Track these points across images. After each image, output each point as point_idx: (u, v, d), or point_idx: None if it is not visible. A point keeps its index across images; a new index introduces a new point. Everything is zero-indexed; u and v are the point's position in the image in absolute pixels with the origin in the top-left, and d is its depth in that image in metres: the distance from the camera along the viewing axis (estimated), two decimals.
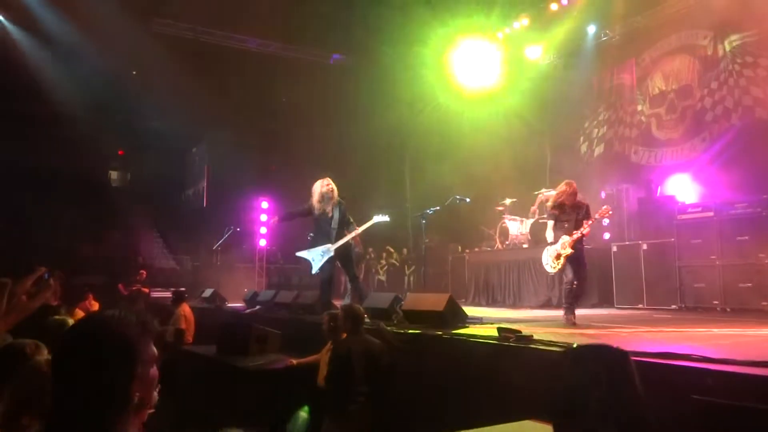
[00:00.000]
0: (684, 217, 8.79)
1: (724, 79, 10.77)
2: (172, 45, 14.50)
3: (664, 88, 12.01)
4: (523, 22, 13.72)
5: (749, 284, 7.78)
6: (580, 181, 11.01)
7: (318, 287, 8.40)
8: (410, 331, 5.73)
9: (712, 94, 10.98)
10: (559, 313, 8.56)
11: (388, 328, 6.00)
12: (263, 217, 15.72)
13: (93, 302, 9.78)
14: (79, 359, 1.34)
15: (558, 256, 6.80)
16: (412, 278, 14.12)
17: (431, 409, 5.02)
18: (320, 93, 15.08)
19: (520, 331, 4.66)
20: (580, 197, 7.00)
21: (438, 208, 8.69)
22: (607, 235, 10.71)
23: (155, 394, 1.44)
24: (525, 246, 10.82)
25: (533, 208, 11.09)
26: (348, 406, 4.82)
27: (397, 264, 14.81)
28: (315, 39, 15.36)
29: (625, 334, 5.48)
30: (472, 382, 4.69)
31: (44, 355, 2.43)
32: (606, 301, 9.52)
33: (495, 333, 4.85)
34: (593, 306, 9.46)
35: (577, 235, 6.66)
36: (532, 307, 9.65)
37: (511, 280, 10.55)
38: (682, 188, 10.66)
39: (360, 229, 8.16)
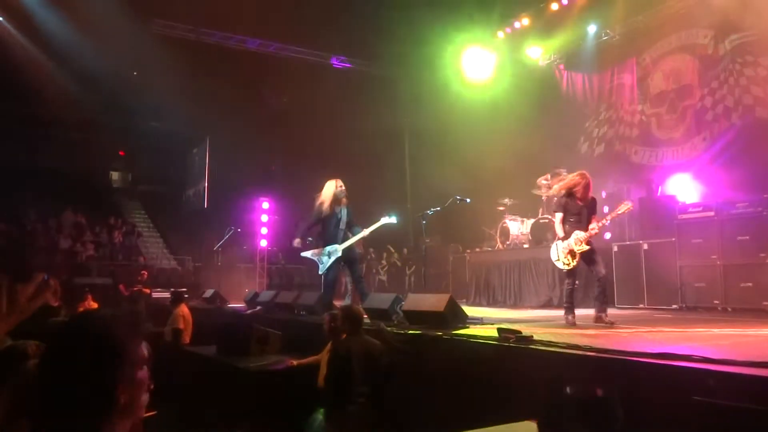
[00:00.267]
0: (685, 216, 8.78)
1: (725, 78, 10.76)
2: (172, 46, 14.52)
3: (664, 87, 11.99)
4: (524, 22, 13.74)
5: (750, 284, 7.77)
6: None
7: (320, 287, 8.39)
8: (410, 332, 5.73)
9: (712, 93, 10.97)
10: (559, 313, 8.58)
11: (389, 328, 6.00)
12: (264, 218, 15.73)
13: (92, 302, 9.80)
14: (63, 359, 1.31)
15: (572, 253, 6.46)
16: (412, 278, 14.12)
17: (431, 409, 5.02)
18: (321, 93, 15.08)
19: (520, 332, 4.66)
20: (591, 192, 6.68)
21: (438, 208, 8.69)
22: (608, 235, 10.69)
23: (145, 396, 1.40)
24: (526, 246, 10.81)
25: (546, 185, 10.74)
26: (347, 406, 4.82)
27: (398, 264, 14.81)
28: (314, 39, 15.38)
29: (625, 334, 5.47)
30: (473, 383, 4.69)
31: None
32: (605, 302, 9.48)
33: (495, 333, 4.85)
34: (592, 306, 9.44)
35: (593, 231, 6.38)
36: (533, 308, 9.65)
37: (511, 280, 10.55)
38: (683, 188, 10.65)
39: (368, 231, 8.16)
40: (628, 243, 9.70)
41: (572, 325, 6.32)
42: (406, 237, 14.54)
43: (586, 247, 6.40)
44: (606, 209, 9.23)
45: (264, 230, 15.69)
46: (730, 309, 7.94)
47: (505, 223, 11.29)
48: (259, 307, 9.99)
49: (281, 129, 16.89)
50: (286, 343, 7.41)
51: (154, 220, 23.97)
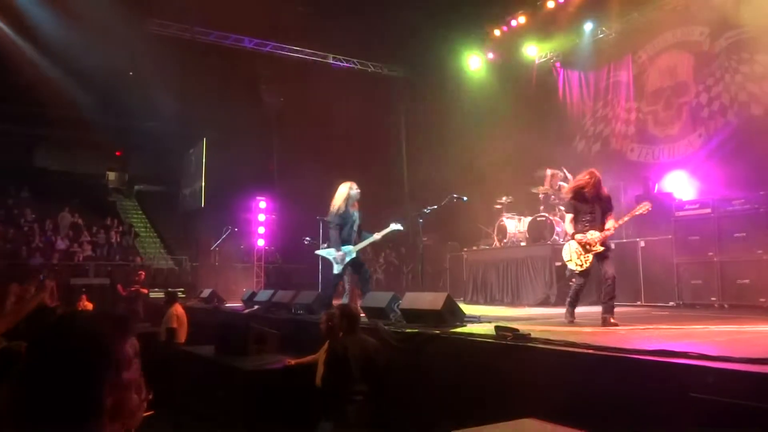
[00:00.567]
0: (681, 213, 8.79)
1: (720, 75, 10.78)
2: (168, 45, 14.50)
3: (660, 84, 12.01)
4: (520, 20, 13.75)
5: (747, 280, 7.79)
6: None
7: (318, 287, 8.43)
8: (408, 330, 5.72)
9: (708, 90, 10.98)
10: (556, 311, 8.59)
11: (386, 327, 5.99)
12: (261, 217, 15.73)
13: (87, 303, 9.80)
14: (45, 361, 1.25)
15: (585, 254, 6.21)
16: (409, 277, 14.13)
17: (429, 407, 5.03)
18: (318, 92, 15.06)
19: (517, 330, 4.66)
20: (603, 189, 6.37)
21: (435, 207, 8.68)
22: None
23: (135, 397, 1.33)
24: (523, 244, 10.82)
25: (543, 188, 10.83)
26: (345, 405, 4.82)
27: (395, 263, 14.82)
28: (311, 38, 15.38)
29: (623, 331, 5.47)
30: (470, 381, 4.69)
31: None
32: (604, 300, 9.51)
33: (493, 332, 4.85)
34: (591, 303, 9.42)
35: (609, 231, 6.13)
36: (530, 305, 9.65)
37: (509, 278, 10.54)
38: (680, 185, 10.67)
39: (379, 235, 8.29)
40: (625, 240, 9.71)
41: (571, 322, 6.26)
42: (403, 235, 14.52)
43: (600, 249, 6.15)
44: None
45: (261, 229, 15.69)
46: (727, 306, 7.95)
47: (502, 221, 11.30)
48: (256, 307, 9.98)
49: (278, 128, 16.88)
50: (284, 342, 7.41)
51: (151, 220, 23.97)
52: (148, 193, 25.33)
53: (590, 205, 6.27)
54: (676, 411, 3.16)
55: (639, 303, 9.06)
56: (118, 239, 21.03)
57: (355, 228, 8.11)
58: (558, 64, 14.20)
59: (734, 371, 3.07)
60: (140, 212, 24.66)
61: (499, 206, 11.63)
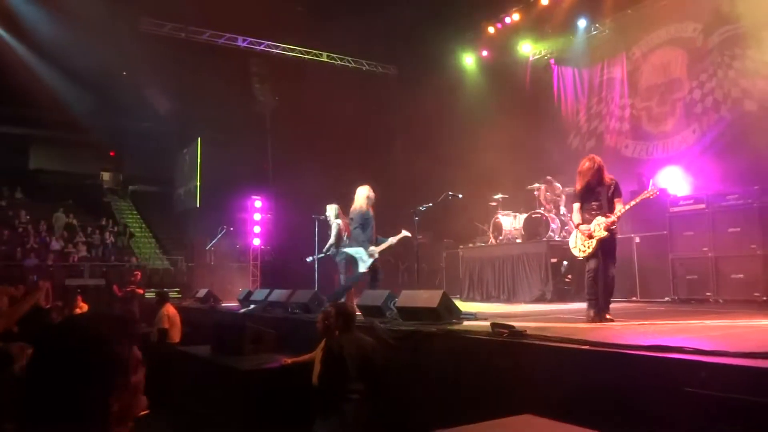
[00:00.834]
0: (676, 209, 8.82)
1: (714, 71, 10.81)
2: (162, 44, 14.46)
3: (654, 80, 12.04)
4: (514, 17, 13.76)
5: (741, 275, 7.82)
6: (572, 175, 11.10)
7: (314, 286, 8.49)
8: (404, 328, 5.73)
9: (701, 86, 11.02)
10: (552, 307, 8.62)
11: (382, 325, 6.00)
12: (257, 216, 15.70)
13: (82, 304, 9.78)
14: (51, 365, 1.24)
15: (590, 238, 5.98)
16: (405, 275, 14.13)
17: (426, 405, 5.03)
18: (313, 91, 15.04)
19: (513, 326, 4.67)
20: (607, 174, 6.14)
21: (431, 204, 8.69)
22: None
23: (142, 400, 1.34)
24: (518, 241, 10.84)
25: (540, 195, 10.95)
26: (341, 404, 4.82)
27: (391, 261, 14.80)
28: (305, 36, 15.36)
29: (618, 327, 5.49)
30: (467, 378, 4.70)
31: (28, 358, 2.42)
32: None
33: (489, 328, 4.85)
34: (585, 300, 9.47)
35: (615, 216, 5.88)
36: (526, 302, 9.67)
37: (505, 275, 10.56)
38: (674, 181, 10.70)
39: (395, 239, 8.66)
40: (620, 236, 9.68)
41: (593, 320, 5.74)
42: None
43: (604, 234, 5.88)
44: None
45: (257, 228, 15.66)
46: (721, 300, 7.99)
47: (497, 218, 11.32)
48: (252, 306, 9.97)
49: (273, 127, 16.84)
50: (280, 341, 7.40)
51: (146, 220, 23.91)
52: (142, 193, 25.27)
53: (596, 192, 6.07)
54: (672, 406, 3.18)
55: (634, 299, 9.09)
56: (113, 240, 20.99)
57: (374, 229, 8.44)
58: (552, 61, 14.22)
59: (729, 366, 3.08)
60: (135, 212, 24.60)
61: (494, 203, 11.64)
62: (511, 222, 11.18)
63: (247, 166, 16.57)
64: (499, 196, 11.55)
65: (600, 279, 5.98)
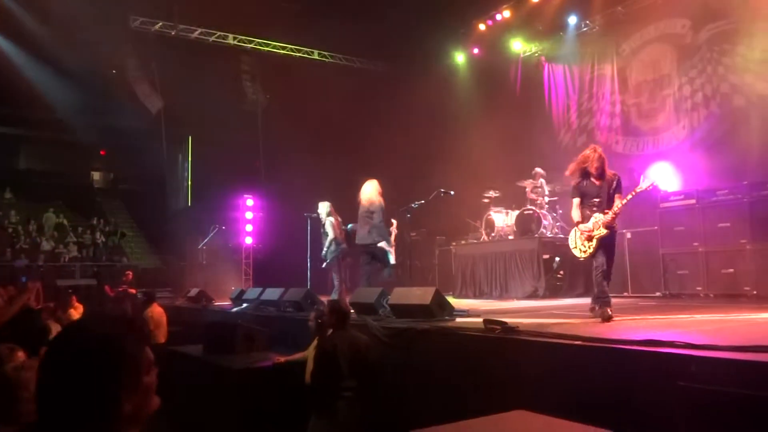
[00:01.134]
0: (667, 205, 8.87)
1: (703, 67, 10.87)
2: (152, 42, 14.37)
3: (644, 77, 12.09)
4: (505, 14, 13.77)
5: (731, 270, 7.88)
6: (563, 172, 11.12)
7: (306, 284, 8.48)
8: (397, 325, 5.73)
9: (691, 82, 11.07)
10: (544, 303, 8.65)
11: (375, 322, 6.00)
12: (249, 215, 15.66)
13: (77, 304, 9.71)
14: (64, 367, 1.24)
15: (590, 238, 5.79)
16: (398, 272, 14.11)
17: (419, 402, 5.04)
18: (304, 88, 15.00)
19: (506, 323, 4.68)
20: (609, 169, 5.92)
21: (423, 201, 8.69)
22: None
23: (154, 400, 1.34)
24: (511, 237, 10.87)
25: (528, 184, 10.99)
26: (335, 401, 4.82)
27: None
28: (296, 34, 15.31)
29: (610, 322, 5.51)
30: (460, 374, 4.71)
31: (18, 359, 2.40)
32: (591, 291, 9.56)
33: (481, 325, 4.87)
34: (579, 295, 9.52)
35: (613, 213, 5.69)
36: (518, 299, 9.69)
37: (497, 271, 10.58)
38: (665, 176, 10.74)
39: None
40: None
41: (608, 319, 5.38)
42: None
43: (604, 231, 5.71)
44: None
45: (249, 227, 15.63)
46: (712, 295, 8.04)
47: (489, 215, 11.34)
48: (245, 305, 9.95)
49: (264, 125, 16.79)
50: (273, 340, 7.39)
51: (137, 219, 23.76)
52: (133, 192, 25.10)
53: (596, 187, 5.84)
54: (665, 400, 3.20)
55: (626, 294, 9.13)
56: (104, 239, 20.88)
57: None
58: (543, 58, 14.25)
59: (720, 359, 3.10)
60: (126, 212, 24.45)
61: (486, 200, 11.66)
62: (503, 219, 11.20)
63: (239, 165, 16.50)
64: (491, 192, 11.58)
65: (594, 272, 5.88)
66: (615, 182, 5.85)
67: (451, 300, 7.00)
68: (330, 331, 5.30)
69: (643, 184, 5.83)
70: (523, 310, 7.53)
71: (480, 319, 5.07)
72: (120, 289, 13.57)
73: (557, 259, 10.05)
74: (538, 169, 11.09)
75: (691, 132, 10.94)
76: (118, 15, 13.80)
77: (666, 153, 11.27)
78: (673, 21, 11.55)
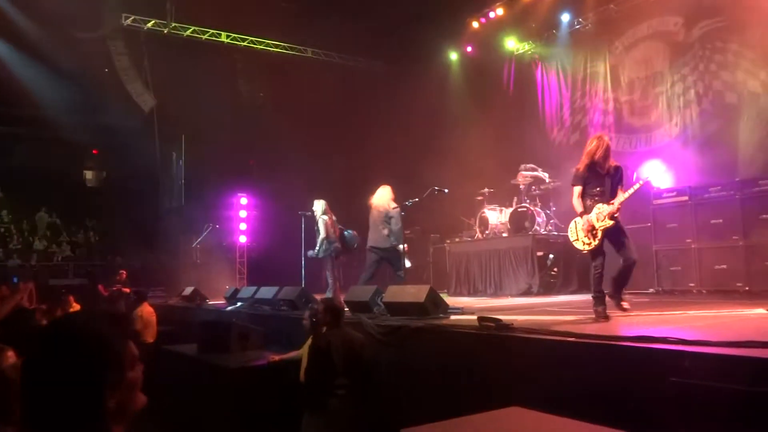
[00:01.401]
0: (659, 201, 8.91)
1: (695, 64, 10.90)
2: (145, 41, 14.32)
3: (636, 74, 12.12)
4: (498, 12, 13.79)
5: (724, 266, 7.93)
6: (556, 169, 11.20)
7: (301, 283, 8.49)
8: (391, 323, 5.74)
9: (683, 79, 11.11)
10: (539, 300, 8.68)
11: (370, 320, 6.00)
12: (243, 213, 15.63)
13: (75, 304, 9.66)
14: (48, 363, 1.24)
15: (592, 231, 5.54)
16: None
17: (414, 399, 5.05)
18: (298, 87, 14.98)
19: (500, 320, 4.69)
20: (612, 159, 5.74)
21: (417, 199, 8.70)
22: None
23: (139, 396, 1.34)
24: (505, 235, 10.89)
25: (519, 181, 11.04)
26: (328, 399, 4.82)
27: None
28: (291, 32, 15.28)
29: (609, 318, 5.52)
30: (455, 372, 4.72)
31: (9, 360, 2.39)
32: (585, 287, 9.58)
33: (476, 322, 4.88)
34: (573, 292, 9.56)
35: (617, 204, 5.47)
36: (512, 296, 9.72)
37: (491, 269, 10.60)
38: (657, 173, 10.78)
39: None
40: None
41: (604, 318, 5.23)
42: None
43: (609, 223, 5.46)
44: None
45: (243, 226, 15.60)
46: (705, 291, 8.09)
47: (483, 212, 11.36)
48: (239, 304, 9.94)
49: (258, 124, 16.75)
50: (267, 339, 7.39)
51: (130, 218, 23.64)
52: (126, 191, 24.99)
53: (601, 176, 5.63)
54: (658, 395, 3.22)
55: None
56: (97, 238, 20.79)
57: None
58: (536, 56, 14.27)
59: (712, 355, 3.12)
60: (119, 211, 24.33)
61: (480, 198, 11.68)
62: (497, 216, 11.22)
63: (233, 163, 16.48)
64: (485, 190, 11.59)
65: (620, 267, 5.67)
66: (620, 173, 5.71)
67: (446, 298, 7.02)
68: (324, 329, 5.31)
69: (639, 183, 5.76)
70: (518, 307, 7.55)
71: (474, 317, 5.09)
72: (114, 289, 13.53)
73: (551, 256, 10.08)
74: (525, 167, 11.15)
75: (684, 129, 10.98)
76: (110, 13, 13.73)
77: (658, 150, 11.31)
78: (665, 19, 11.58)
